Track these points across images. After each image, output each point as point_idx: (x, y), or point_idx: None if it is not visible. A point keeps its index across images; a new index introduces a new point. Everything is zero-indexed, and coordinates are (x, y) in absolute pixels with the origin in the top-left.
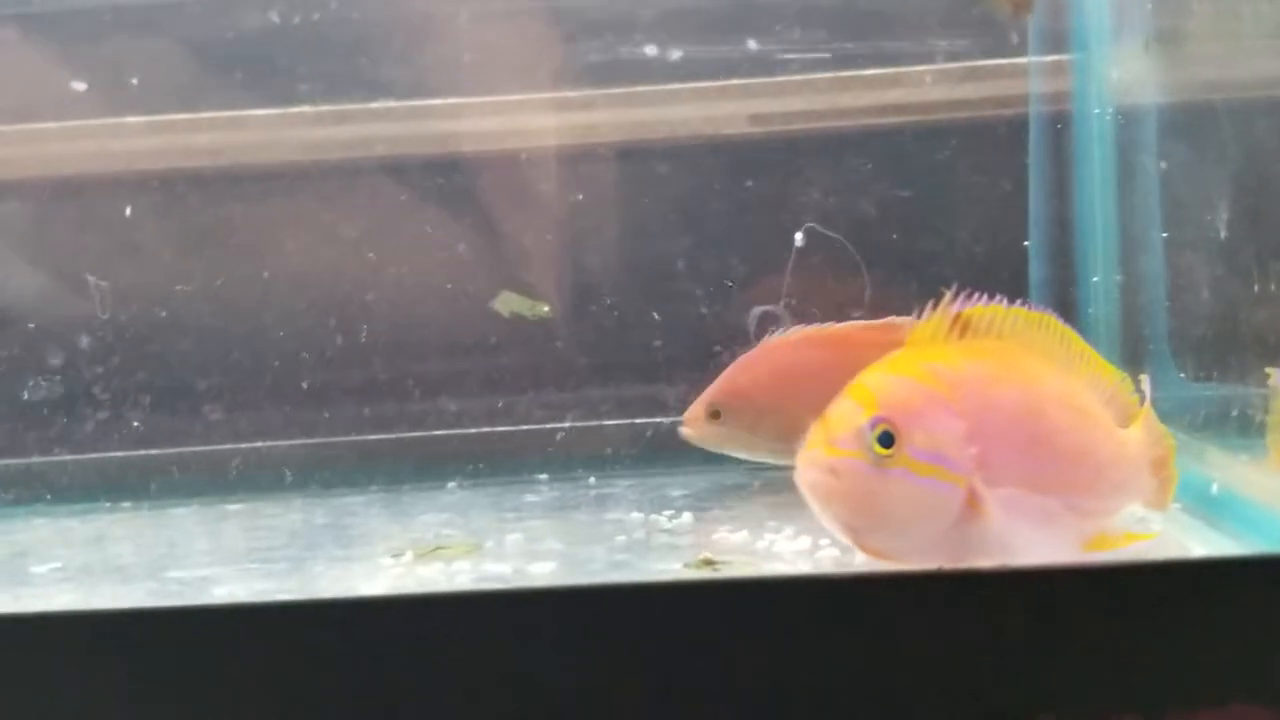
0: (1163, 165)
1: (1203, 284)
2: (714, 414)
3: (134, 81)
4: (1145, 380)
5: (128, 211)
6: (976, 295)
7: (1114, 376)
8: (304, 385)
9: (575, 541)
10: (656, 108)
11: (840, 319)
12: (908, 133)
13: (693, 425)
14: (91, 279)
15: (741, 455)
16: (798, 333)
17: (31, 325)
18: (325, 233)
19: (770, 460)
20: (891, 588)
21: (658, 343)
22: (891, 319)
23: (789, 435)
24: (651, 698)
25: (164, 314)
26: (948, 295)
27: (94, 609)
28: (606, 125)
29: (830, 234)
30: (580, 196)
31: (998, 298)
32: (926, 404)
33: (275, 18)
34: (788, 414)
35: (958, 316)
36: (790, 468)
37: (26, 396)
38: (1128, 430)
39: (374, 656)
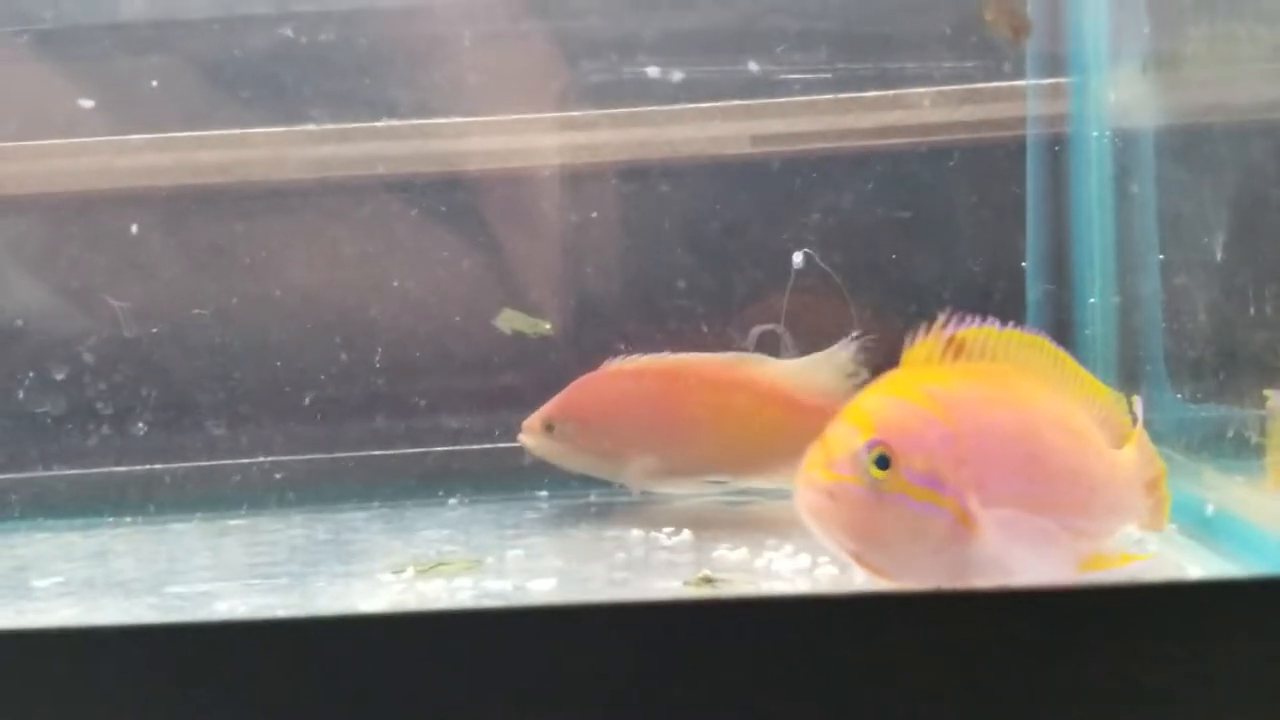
0: (1159, 188)
1: (1199, 306)
2: (549, 427)
3: (141, 99)
4: (1137, 402)
5: (134, 228)
6: (970, 317)
7: (1107, 398)
8: (307, 401)
9: (575, 559)
10: (659, 128)
11: (833, 340)
12: (908, 154)
13: (528, 435)
14: (114, 301)
15: (572, 468)
16: (638, 360)
17: (36, 340)
18: (329, 250)
19: (598, 476)
20: (889, 607)
21: None
22: (738, 355)
23: (615, 456)
24: (651, 715)
25: (167, 329)
26: (941, 318)
27: (95, 625)
28: (609, 145)
29: (821, 264)
30: (582, 216)
31: (990, 320)
32: (922, 427)
33: (282, 37)
34: (615, 437)
35: (951, 339)
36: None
37: (29, 410)
38: (1121, 451)
39: (375, 674)
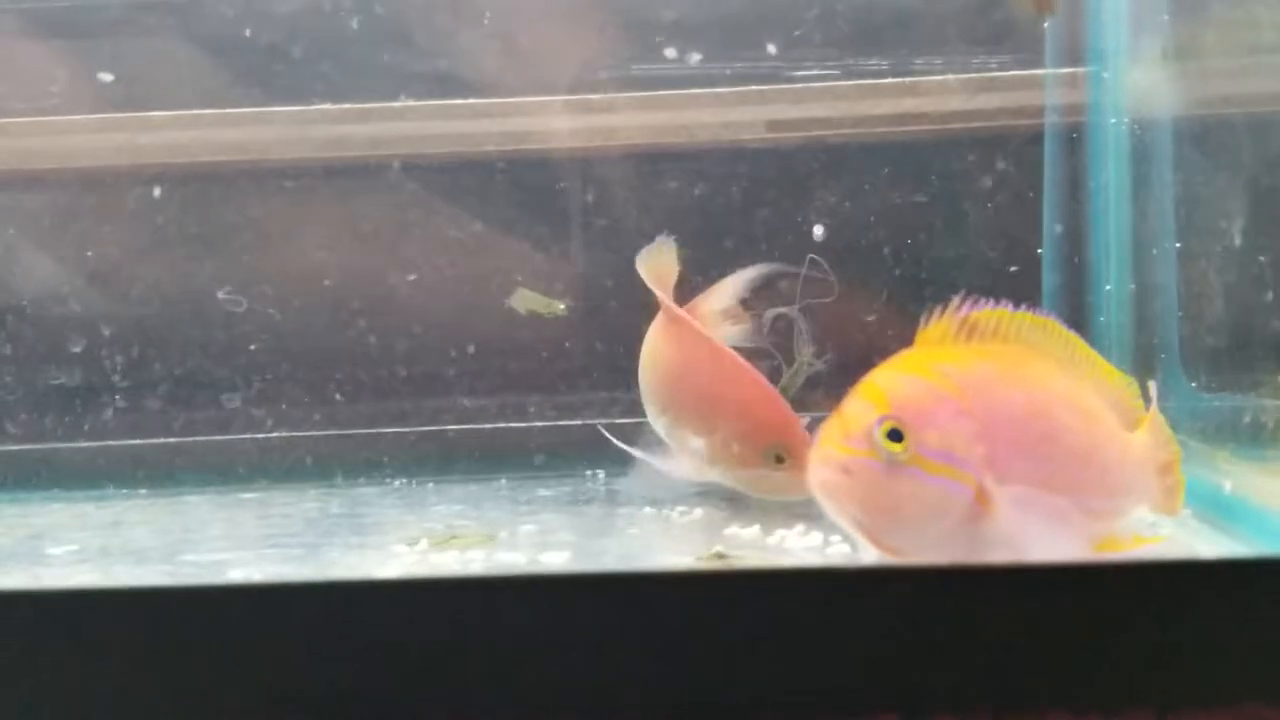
0: (1177, 176)
1: (1215, 294)
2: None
3: (159, 76)
4: (1153, 386)
5: (151, 205)
6: (983, 299)
7: (1118, 381)
8: (321, 377)
9: (588, 534)
10: (675, 112)
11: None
12: (924, 141)
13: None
14: (222, 294)
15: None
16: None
17: (54, 313)
18: (346, 228)
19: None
20: (903, 582)
21: None
22: None
23: None
24: (662, 685)
25: (184, 305)
26: (955, 299)
27: (108, 587)
28: (625, 129)
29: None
30: (598, 198)
31: (1003, 302)
32: (936, 403)
33: (299, 14)
34: None
35: (964, 320)
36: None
37: (47, 384)
38: (1133, 434)
39: (387, 638)
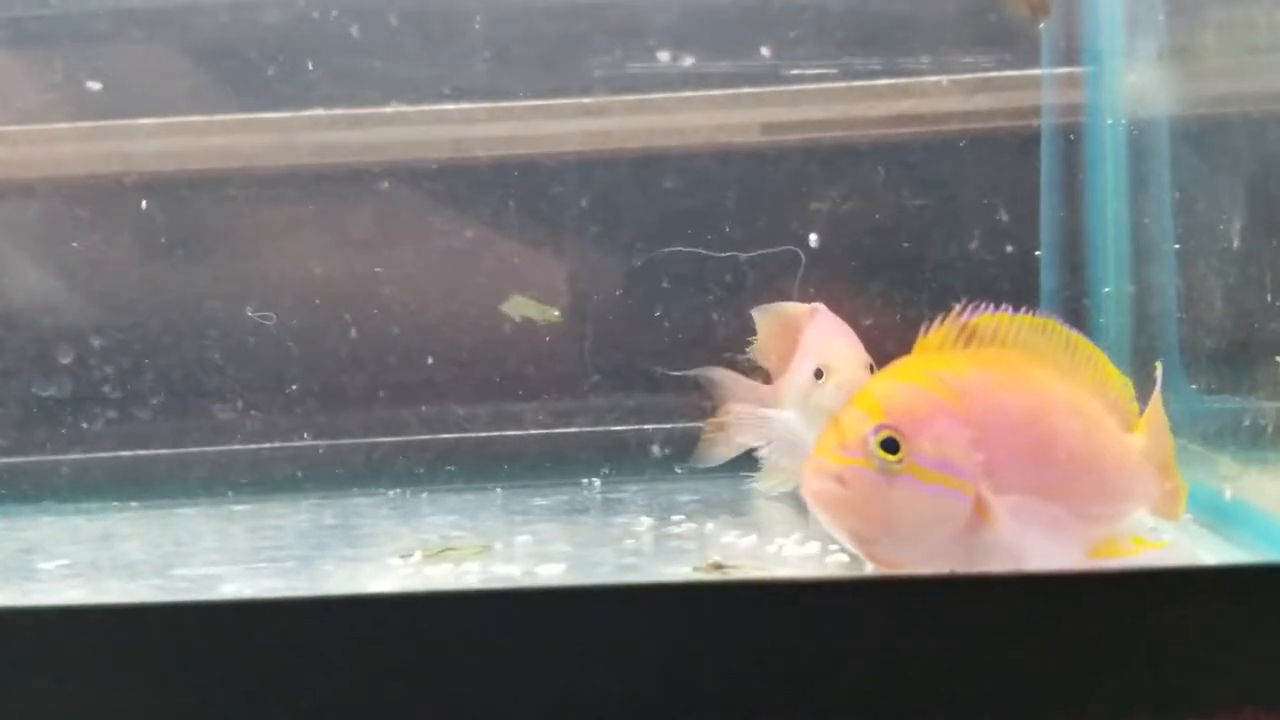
0: (1175, 176)
1: (1215, 295)
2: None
3: (147, 83)
4: (1157, 376)
5: (139, 213)
6: (982, 304)
7: (1119, 381)
8: (313, 386)
9: (584, 544)
10: (668, 115)
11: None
12: (920, 143)
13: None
14: (251, 312)
15: None
16: None
17: (42, 324)
18: (336, 236)
19: None
20: (900, 591)
21: (666, 346)
22: None
23: None
24: (659, 697)
25: (175, 315)
26: (957, 306)
27: (99, 603)
28: (619, 132)
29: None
30: (591, 202)
31: (1003, 306)
32: (933, 411)
33: (288, 20)
34: None
35: (964, 326)
36: None
37: (36, 395)
38: (1133, 435)
39: (381, 654)
